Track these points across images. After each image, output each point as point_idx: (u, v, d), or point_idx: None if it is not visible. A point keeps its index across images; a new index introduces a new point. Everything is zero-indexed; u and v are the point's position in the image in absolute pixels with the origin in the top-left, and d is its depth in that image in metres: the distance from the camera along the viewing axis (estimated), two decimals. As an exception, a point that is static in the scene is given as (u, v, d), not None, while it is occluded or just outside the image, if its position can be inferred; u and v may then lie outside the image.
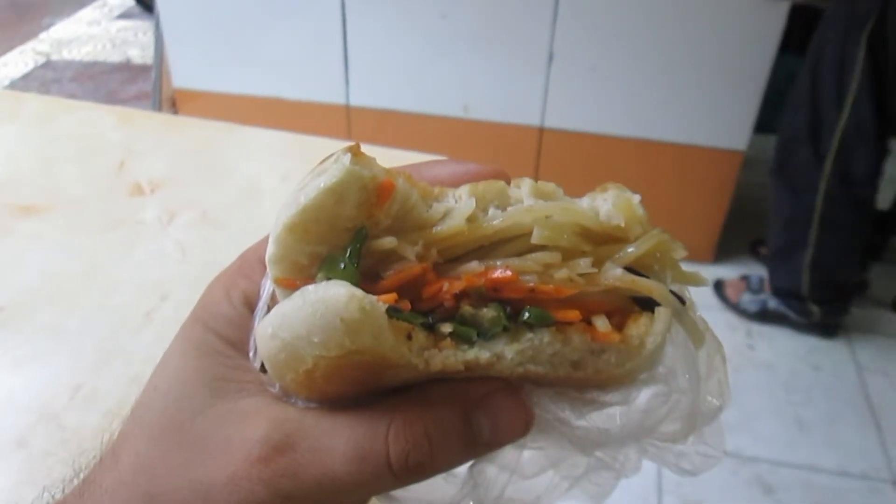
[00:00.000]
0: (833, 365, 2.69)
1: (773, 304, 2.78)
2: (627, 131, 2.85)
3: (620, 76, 2.75)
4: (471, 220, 0.37)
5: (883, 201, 2.93)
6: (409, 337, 0.35)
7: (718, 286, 2.92)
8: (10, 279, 1.03)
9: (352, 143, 0.36)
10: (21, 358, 0.91)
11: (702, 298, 2.80)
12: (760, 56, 2.59)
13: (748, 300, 2.82)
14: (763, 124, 2.76)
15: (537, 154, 2.94)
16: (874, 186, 2.55)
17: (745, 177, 2.87)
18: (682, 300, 0.39)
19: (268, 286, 0.41)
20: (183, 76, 3.12)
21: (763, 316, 2.81)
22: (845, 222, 2.58)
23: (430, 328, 0.36)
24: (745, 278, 2.90)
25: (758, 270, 2.95)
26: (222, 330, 0.42)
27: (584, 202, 0.39)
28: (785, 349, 2.75)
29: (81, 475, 0.42)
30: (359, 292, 0.33)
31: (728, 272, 3.00)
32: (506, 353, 0.36)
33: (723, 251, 3.11)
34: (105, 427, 0.81)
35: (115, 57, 4.79)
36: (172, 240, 1.10)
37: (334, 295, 0.33)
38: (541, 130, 2.89)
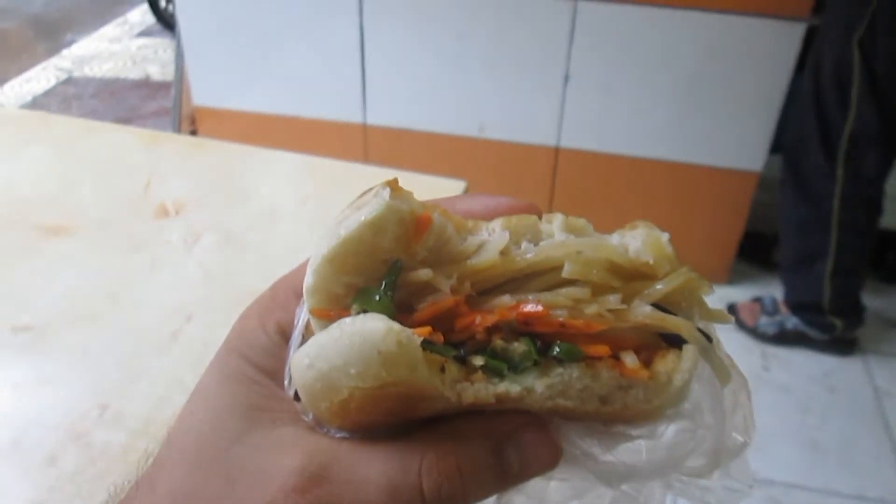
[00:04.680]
0: (849, 387, 2.67)
1: (791, 324, 2.76)
2: (643, 151, 2.86)
3: (636, 97, 2.76)
4: (504, 253, 0.38)
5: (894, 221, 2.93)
6: (443, 369, 0.35)
7: (732, 310, 2.89)
8: (38, 299, 1.05)
9: (391, 178, 0.37)
10: (49, 377, 0.93)
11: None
12: (776, 76, 2.59)
13: (766, 323, 2.81)
14: (775, 144, 2.76)
15: (553, 174, 2.95)
16: (882, 187, 2.57)
17: (757, 197, 2.87)
18: (709, 338, 0.40)
19: (302, 316, 0.42)
20: (202, 94, 3.16)
21: (782, 338, 2.79)
22: (862, 225, 2.59)
23: (462, 361, 0.36)
24: (757, 300, 2.89)
25: (770, 290, 2.94)
26: (257, 359, 0.42)
27: (614, 239, 0.40)
28: (801, 371, 2.73)
29: (117, 499, 0.42)
30: (396, 326, 0.34)
31: (743, 293, 2.99)
32: (536, 387, 0.36)
33: (737, 272, 3.10)
34: (132, 446, 0.83)
35: (135, 74, 4.86)
36: (196, 261, 1.12)
37: (372, 328, 0.34)
38: (556, 150, 2.90)
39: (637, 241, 0.39)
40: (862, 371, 2.73)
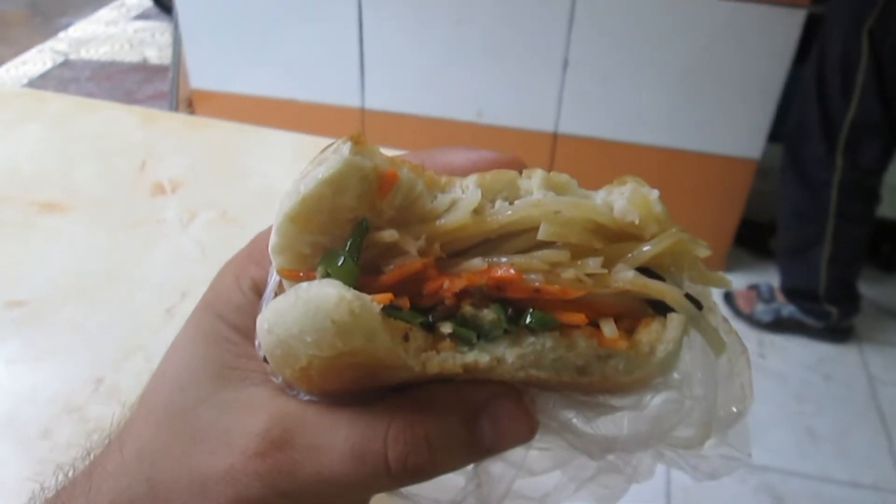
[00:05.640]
0: (844, 375, 2.67)
1: (787, 311, 2.76)
2: (641, 138, 2.85)
3: (635, 83, 2.74)
4: (477, 212, 0.36)
5: (893, 210, 2.93)
6: (406, 338, 0.33)
7: (728, 297, 2.90)
8: (33, 275, 1.04)
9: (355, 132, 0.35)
10: (43, 352, 0.93)
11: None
12: (775, 64, 2.58)
13: (762, 310, 2.80)
14: (773, 133, 2.76)
15: (551, 160, 2.94)
16: (881, 177, 2.57)
17: (755, 185, 2.87)
18: (699, 305, 0.37)
19: (274, 275, 0.40)
20: (200, 77, 3.14)
21: (778, 325, 2.79)
22: (859, 215, 2.60)
23: (430, 328, 0.34)
24: (753, 287, 2.88)
25: (767, 278, 2.94)
26: (231, 317, 0.42)
27: (600, 196, 0.37)
28: (796, 359, 2.73)
29: (91, 455, 0.43)
30: (349, 294, 0.31)
31: (740, 281, 2.98)
32: (506, 356, 0.34)
33: (734, 260, 3.10)
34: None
35: (132, 57, 4.83)
36: (192, 239, 1.11)
37: (324, 296, 0.31)
38: (555, 136, 2.89)
39: (623, 199, 0.36)
40: (857, 359, 2.74)
